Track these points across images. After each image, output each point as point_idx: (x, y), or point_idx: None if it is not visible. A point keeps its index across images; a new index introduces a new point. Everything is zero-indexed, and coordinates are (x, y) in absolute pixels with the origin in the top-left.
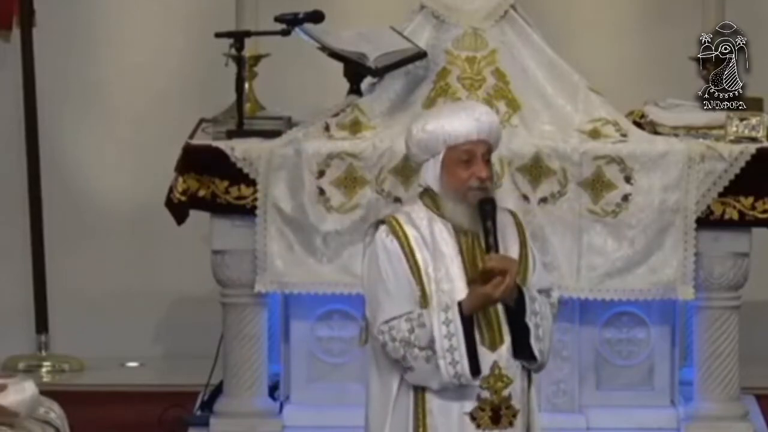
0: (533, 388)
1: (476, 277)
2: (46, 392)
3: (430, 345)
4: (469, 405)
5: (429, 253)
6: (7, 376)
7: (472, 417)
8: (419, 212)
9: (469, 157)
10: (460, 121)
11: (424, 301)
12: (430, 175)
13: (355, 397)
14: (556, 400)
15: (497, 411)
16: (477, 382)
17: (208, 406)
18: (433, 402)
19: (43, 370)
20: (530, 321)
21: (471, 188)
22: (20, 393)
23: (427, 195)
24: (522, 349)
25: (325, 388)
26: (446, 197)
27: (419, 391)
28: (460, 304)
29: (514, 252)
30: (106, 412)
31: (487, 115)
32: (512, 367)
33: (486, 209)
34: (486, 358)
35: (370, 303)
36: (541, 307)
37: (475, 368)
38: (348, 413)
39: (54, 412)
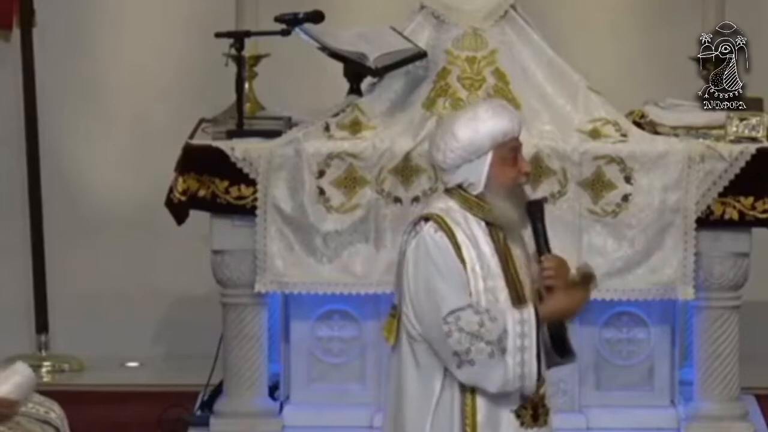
0: None
1: (573, 282)
2: (46, 392)
3: (499, 341)
4: (515, 403)
5: (474, 251)
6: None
7: (517, 415)
8: (455, 211)
9: (515, 154)
10: (507, 119)
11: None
12: (473, 174)
13: (355, 397)
14: (556, 400)
15: (537, 409)
16: (534, 390)
17: (208, 406)
18: (480, 400)
19: (43, 370)
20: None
21: (519, 184)
22: (12, 377)
23: (458, 194)
24: (562, 348)
25: (325, 388)
26: (495, 196)
27: (468, 388)
28: (536, 307)
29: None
30: (106, 412)
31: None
32: (546, 366)
33: (534, 211)
34: None
35: (421, 298)
36: None
37: (539, 374)
38: (348, 413)
39: (54, 412)
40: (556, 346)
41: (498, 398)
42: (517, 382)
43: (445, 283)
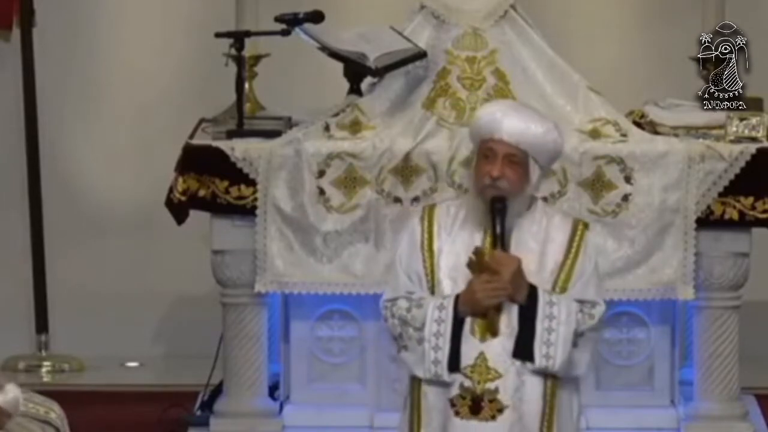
0: (561, 391)
1: (471, 264)
2: (46, 392)
3: (423, 327)
4: (452, 391)
5: (446, 244)
6: None
7: (452, 404)
8: (461, 204)
9: (491, 155)
10: (490, 117)
11: (433, 288)
12: (473, 162)
13: (355, 397)
14: None
15: (478, 402)
16: (449, 378)
17: (208, 406)
18: (425, 385)
19: (43, 370)
20: (541, 324)
21: (484, 185)
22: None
23: None
24: (523, 349)
25: (325, 388)
26: (471, 190)
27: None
28: (458, 296)
29: (552, 256)
30: (106, 412)
31: (526, 123)
32: (505, 362)
33: (496, 207)
34: (473, 347)
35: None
36: (561, 313)
37: (454, 362)
38: (348, 413)
39: (54, 412)
40: (517, 348)
41: (439, 384)
42: (432, 367)
43: (396, 273)
